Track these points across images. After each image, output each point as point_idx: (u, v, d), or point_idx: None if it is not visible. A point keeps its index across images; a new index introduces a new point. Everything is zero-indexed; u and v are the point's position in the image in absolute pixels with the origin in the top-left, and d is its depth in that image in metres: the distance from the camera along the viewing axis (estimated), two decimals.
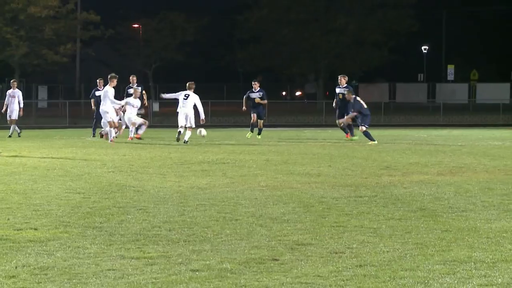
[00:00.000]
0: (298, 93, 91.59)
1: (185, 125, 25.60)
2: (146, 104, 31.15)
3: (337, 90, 27.68)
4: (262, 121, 29.51)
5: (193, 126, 25.77)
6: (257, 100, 29.00)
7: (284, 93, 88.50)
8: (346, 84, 27.48)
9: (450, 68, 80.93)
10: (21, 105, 31.18)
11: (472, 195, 12.25)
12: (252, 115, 29.25)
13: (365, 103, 26.27)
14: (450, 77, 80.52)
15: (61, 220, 10.01)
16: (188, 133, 25.59)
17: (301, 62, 76.64)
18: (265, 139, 27.81)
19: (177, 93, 26.29)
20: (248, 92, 29.70)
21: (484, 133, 33.94)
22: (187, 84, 26.17)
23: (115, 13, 78.88)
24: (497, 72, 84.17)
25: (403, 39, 78.35)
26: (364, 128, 25.44)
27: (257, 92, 29.21)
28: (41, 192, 12.72)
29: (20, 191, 12.85)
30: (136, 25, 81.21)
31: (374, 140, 25.14)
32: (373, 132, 26.32)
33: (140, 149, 23.14)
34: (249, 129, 29.64)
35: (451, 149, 22.78)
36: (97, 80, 31.21)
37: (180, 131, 25.44)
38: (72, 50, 62.92)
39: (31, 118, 49.19)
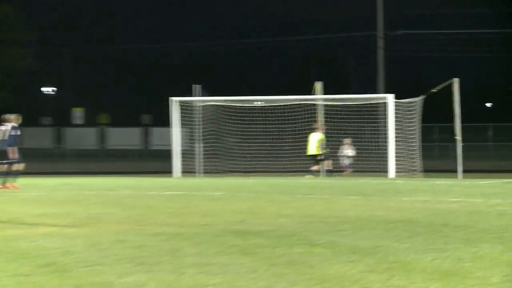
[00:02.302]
0: None
1: None
2: None
3: None
4: None
5: None
6: None
7: None
8: None
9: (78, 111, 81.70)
10: None
11: (104, 248, 12.41)
12: None
13: None
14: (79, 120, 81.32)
15: None
16: None
17: None
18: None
19: None
20: None
21: (116, 181, 34.50)
22: None
23: None
24: (127, 116, 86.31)
25: (26, 79, 77.81)
26: None
27: None
28: None
29: None
30: None
31: None
32: None
33: None
34: None
35: (81, 199, 22.94)
36: None
37: None
38: None
39: None
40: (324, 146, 38.43)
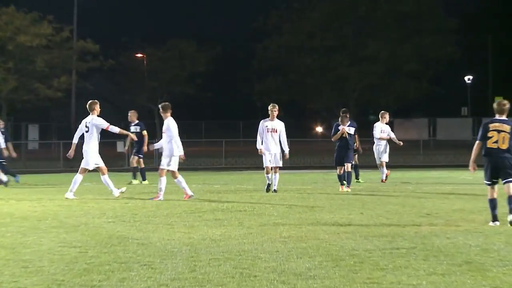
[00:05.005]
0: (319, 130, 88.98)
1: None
2: (145, 149, 29.46)
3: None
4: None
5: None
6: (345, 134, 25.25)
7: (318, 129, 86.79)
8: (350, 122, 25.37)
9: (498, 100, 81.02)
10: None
11: None
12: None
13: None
14: None
15: (54, 278, 9.97)
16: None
17: (327, 95, 76.73)
18: (287, 183, 27.71)
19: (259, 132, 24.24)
20: (334, 125, 25.99)
21: None
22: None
23: (116, 42, 79.42)
24: None
25: (444, 68, 78.39)
26: None
27: (347, 125, 25.35)
28: (31, 247, 12.69)
29: (7, 245, 12.83)
30: (139, 55, 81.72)
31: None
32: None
33: (144, 195, 23.13)
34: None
35: (501, 193, 22.59)
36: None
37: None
38: (67, 83, 63.09)
39: (20, 161, 49.02)
40: None
